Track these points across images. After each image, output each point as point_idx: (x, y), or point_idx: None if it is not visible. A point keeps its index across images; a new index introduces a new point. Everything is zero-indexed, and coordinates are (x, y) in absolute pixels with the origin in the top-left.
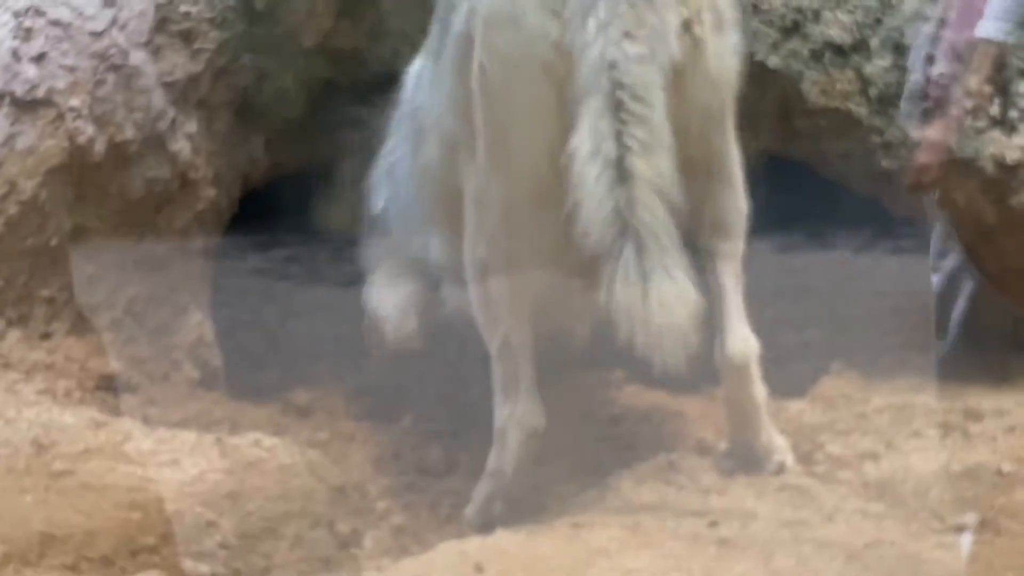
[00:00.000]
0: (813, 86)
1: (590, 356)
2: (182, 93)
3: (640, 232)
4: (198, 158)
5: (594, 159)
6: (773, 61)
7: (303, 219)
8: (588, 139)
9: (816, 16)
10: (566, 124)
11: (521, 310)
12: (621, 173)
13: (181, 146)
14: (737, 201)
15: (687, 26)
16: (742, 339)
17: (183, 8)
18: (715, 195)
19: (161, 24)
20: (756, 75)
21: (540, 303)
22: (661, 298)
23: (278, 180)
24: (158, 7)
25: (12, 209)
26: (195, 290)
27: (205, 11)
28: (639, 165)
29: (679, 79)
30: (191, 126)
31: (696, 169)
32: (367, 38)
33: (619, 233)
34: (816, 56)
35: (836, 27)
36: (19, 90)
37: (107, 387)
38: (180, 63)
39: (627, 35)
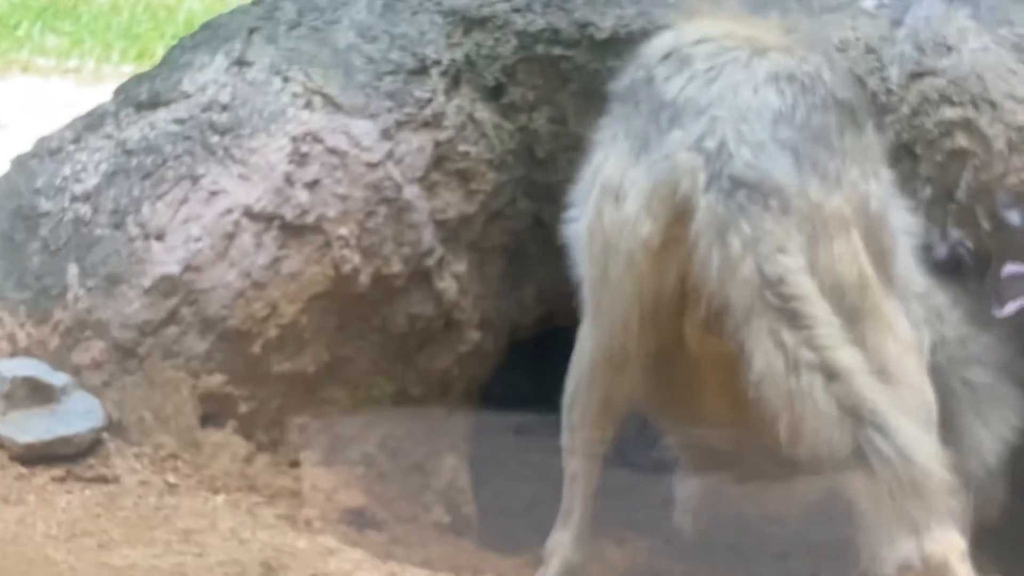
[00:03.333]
0: None
1: None
2: (453, 232)
3: (875, 417)
4: (464, 299)
5: (794, 372)
6: None
7: None
8: (777, 358)
9: None
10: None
11: (595, 452)
12: (829, 372)
13: (448, 285)
14: None
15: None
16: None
17: (462, 147)
18: None
19: (438, 161)
20: None
21: None
22: (924, 464)
23: (548, 332)
24: (437, 144)
25: (271, 332)
26: (452, 433)
27: (484, 152)
28: (841, 357)
29: None
30: (460, 266)
31: None
32: None
33: (855, 427)
34: None
35: None
36: (289, 214)
37: (351, 521)
38: (454, 202)
39: (781, 249)
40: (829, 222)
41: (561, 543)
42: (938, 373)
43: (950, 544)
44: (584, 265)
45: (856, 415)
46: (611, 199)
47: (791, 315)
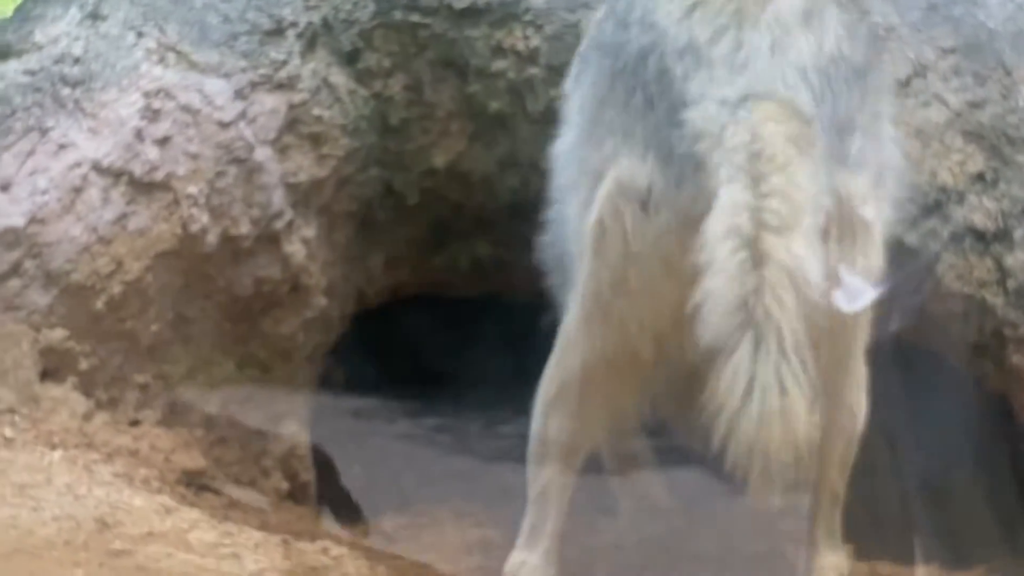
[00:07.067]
0: (949, 269)
1: None
2: (304, 196)
3: (761, 327)
4: (312, 264)
5: (727, 238)
6: (910, 239)
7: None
8: (722, 218)
9: (960, 199)
10: (671, 315)
11: (572, 463)
12: (756, 255)
13: (296, 249)
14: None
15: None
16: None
17: (316, 111)
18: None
19: (291, 124)
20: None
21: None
22: (763, 413)
23: (395, 302)
24: (291, 107)
25: (116, 288)
26: (294, 400)
27: (338, 117)
28: (776, 245)
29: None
30: (309, 231)
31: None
32: (498, 165)
33: (739, 326)
34: (956, 239)
35: (980, 213)
36: (138, 170)
37: (189, 483)
38: (305, 166)
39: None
40: None
41: (527, 564)
42: None
43: None
44: (585, 264)
45: (747, 317)
46: (635, 204)
47: (756, 177)
